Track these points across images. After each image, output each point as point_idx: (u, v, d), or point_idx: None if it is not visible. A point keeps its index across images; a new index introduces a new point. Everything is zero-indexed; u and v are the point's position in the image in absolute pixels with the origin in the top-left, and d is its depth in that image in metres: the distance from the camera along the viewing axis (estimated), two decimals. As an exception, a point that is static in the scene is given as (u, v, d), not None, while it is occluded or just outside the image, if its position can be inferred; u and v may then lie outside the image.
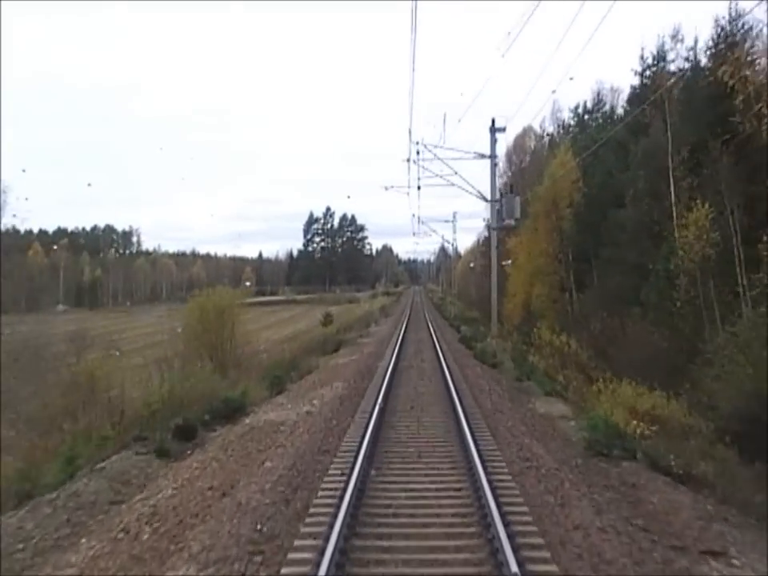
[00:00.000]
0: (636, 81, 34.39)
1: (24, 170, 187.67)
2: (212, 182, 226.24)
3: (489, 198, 26.16)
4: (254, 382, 18.44)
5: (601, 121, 40.24)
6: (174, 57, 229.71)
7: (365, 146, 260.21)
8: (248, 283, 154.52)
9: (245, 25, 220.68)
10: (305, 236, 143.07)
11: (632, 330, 21.93)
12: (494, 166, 25.97)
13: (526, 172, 57.20)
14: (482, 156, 25.82)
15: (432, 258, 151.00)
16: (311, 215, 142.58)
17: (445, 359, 19.51)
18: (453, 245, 52.31)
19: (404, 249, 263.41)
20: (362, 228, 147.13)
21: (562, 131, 55.15)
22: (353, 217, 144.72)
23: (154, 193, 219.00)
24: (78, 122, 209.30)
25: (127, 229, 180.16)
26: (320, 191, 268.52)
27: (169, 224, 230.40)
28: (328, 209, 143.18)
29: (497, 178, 29.85)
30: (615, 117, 39.16)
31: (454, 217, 51.57)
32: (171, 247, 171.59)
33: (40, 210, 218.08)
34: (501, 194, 26.95)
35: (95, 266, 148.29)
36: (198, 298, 30.27)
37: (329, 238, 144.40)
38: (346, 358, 23.12)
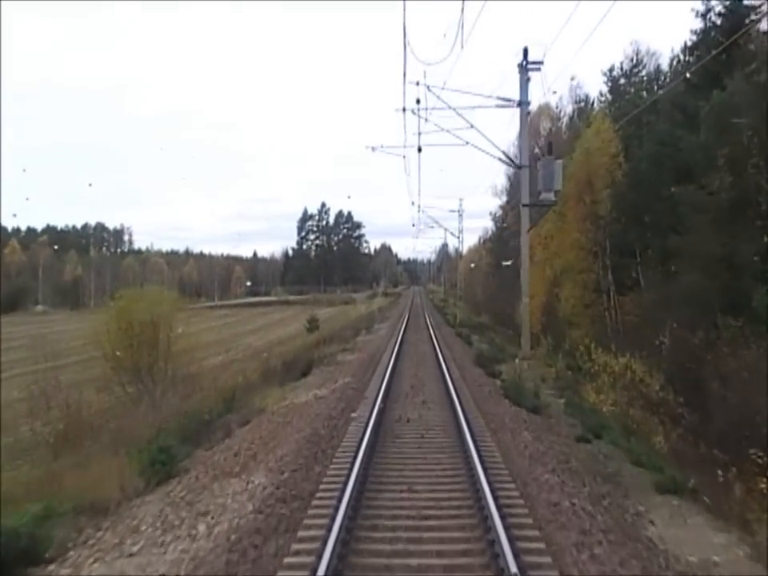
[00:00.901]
0: (698, 24, 26.51)
1: (24, 170, 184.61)
2: (212, 181, 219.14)
3: (518, 162, 18.27)
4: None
5: (643, 83, 32.33)
6: (174, 56, 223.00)
7: (366, 144, 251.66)
8: (249, 283, 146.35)
9: (245, 24, 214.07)
10: (299, 233, 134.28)
11: (748, 355, 14.05)
12: (525, 115, 18.02)
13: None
14: (508, 102, 17.89)
15: (433, 258, 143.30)
16: (305, 212, 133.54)
17: (461, 404, 11.65)
18: (459, 237, 43.81)
19: (403, 247, 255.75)
20: (358, 225, 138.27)
21: (580, 107, 47.25)
22: (349, 213, 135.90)
23: (154, 192, 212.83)
24: (78, 122, 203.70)
25: (119, 227, 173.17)
26: (320, 191, 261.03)
27: (169, 224, 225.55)
28: (323, 205, 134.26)
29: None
30: (663, 78, 31.27)
31: (461, 205, 43.37)
32: (171, 247, 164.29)
33: (38, 210, 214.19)
34: (535, 158, 19.10)
35: (83, 265, 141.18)
36: (118, 303, 22.39)
37: (324, 236, 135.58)
38: (309, 394, 15.20)
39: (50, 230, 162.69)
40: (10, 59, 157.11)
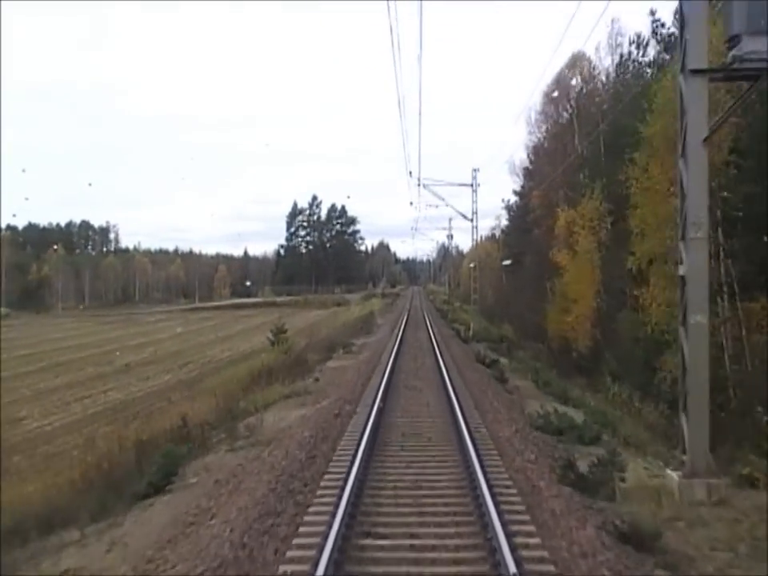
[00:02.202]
0: None
1: (24, 170, 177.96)
2: (211, 182, 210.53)
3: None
4: None
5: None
6: (174, 56, 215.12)
7: (366, 146, 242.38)
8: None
9: (245, 24, 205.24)
10: (288, 229, 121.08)
11: None
12: None
13: (572, 126, 38.14)
14: None
15: (434, 255, 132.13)
16: (295, 205, 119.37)
17: None
18: (472, 219, 30.78)
19: (400, 241, 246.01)
20: (353, 221, 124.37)
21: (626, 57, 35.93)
22: (342, 208, 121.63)
23: (154, 193, 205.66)
24: (78, 123, 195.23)
25: (104, 225, 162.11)
26: (320, 192, 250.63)
27: (168, 225, 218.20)
28: (314, 198, 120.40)
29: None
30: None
31: (475, 177, 30.65)
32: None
33: (36, 211, 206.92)
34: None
35: (59, 264, 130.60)
36: None
37: (315, 232, 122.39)
38: None
39: (31, 227, 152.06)
40: (10, 59, 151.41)
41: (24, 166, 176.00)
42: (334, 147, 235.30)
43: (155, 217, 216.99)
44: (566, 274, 28.15)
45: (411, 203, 41.70)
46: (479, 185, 30.36)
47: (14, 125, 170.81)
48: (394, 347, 22.86)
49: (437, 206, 32.30)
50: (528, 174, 40.84)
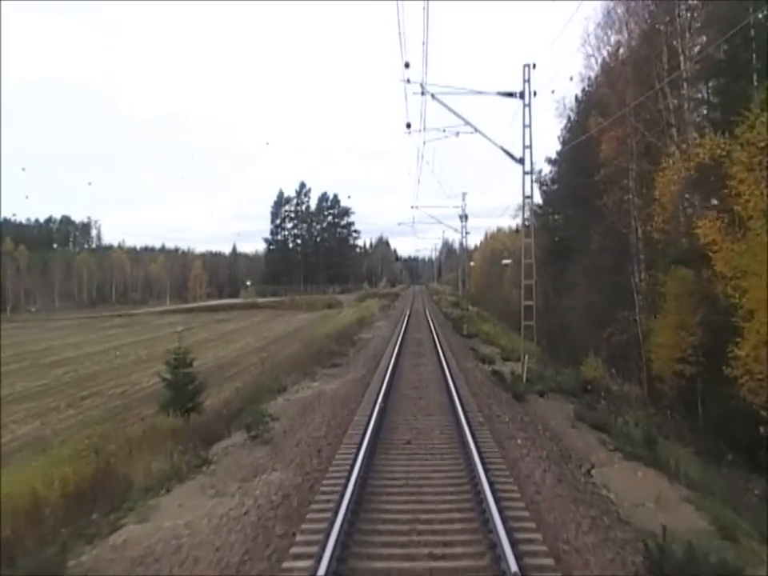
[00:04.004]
0: None
1: (24, 169, 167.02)
2: (211, 182, 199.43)
3: None
4: None
5: None
6: (173, 56, 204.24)
7: (366, 145, 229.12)
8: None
9: (245, 24, 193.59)
10: (272, 221, 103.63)
11: None
12: None
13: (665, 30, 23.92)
14: None
15: (437, 252, 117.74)
16: (281, 194, 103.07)
17: None
18: (522, 158, 16.20)
19: (405, 246, 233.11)
20: (346, 212, 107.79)
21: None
22: (335, 197, 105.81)
23: (155, 194, 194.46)
24: (78, 123, 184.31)
25: (86, 220, 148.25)
26: (320, 191, 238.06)
27: (168, 225, 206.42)
28: (302, 185, 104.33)
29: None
30: None
31: (528, 80, 15.96)
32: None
33: (36, 210, 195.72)
34: None
35: (37, 262, 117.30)
36: None
37: (303, 224, 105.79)
38: None
39: (6, 223, 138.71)
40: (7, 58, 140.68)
41: (21, 164, 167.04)
42: (334, 146, 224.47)
43: (155, 217, 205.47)
44: (717, 260, 13.90)
45: (409, 126, 18.57)
46: (535, 93, 15.83)
47: (12, 124, 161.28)
48: (366, 428, 8.88)
49: (457, 134, 17.42)
50: (587, 110, 26.57)
